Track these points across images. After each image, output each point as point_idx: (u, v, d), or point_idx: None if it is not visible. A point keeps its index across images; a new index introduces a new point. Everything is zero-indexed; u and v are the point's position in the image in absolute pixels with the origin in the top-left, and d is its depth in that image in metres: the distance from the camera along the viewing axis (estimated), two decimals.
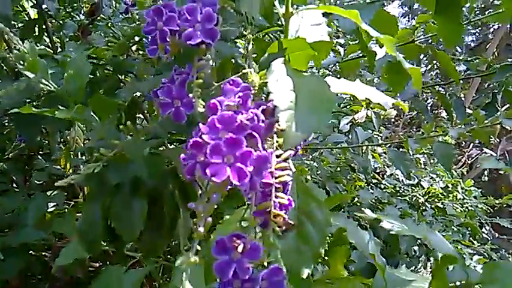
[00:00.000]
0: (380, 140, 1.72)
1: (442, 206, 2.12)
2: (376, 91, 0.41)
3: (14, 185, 1.21)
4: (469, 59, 1.43)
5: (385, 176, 2.42)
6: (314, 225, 0.43)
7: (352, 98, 2.01)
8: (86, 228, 0.52)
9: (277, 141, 0.40)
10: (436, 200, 2.19)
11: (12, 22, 1.40)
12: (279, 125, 0.31)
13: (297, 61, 0.38)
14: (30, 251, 0.94)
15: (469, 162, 5.76)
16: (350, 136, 1.53)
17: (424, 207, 2.13)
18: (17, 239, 0.85)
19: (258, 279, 0.30)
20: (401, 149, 1.38)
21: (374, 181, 2.33)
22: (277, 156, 0.39)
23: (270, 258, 0.41)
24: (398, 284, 0.53)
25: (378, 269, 0.51)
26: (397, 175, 2.44)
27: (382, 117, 1.65)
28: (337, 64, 1.22)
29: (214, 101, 0.32)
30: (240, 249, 0.30)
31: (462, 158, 5.71)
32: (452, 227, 1.93)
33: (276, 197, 0.37)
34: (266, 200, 0.37)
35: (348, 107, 1.89)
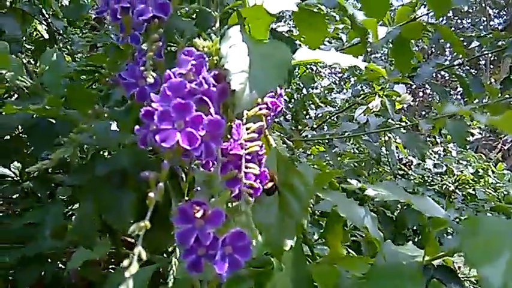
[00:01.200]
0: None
1: (473, 192, 2.05)
2: (344, 56, 0.40)
3: (39, 203, 1.25)
4: (481, 34, 1.38)
5: (412, 167, 2.37)
6: (296, 197, 0.42)
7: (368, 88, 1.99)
8: (79, 223, 0.52)
9: (246, 114, 0.40)
10: (467, 186, 2.12)
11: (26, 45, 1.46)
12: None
13: (257, 30, 0.37)
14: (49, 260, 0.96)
15: (506, 147, 5.56)
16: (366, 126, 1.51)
17: (455, 196, 2.06)
18: (33, 250, 0.87)
19: (218, 245, 0.30)
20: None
21: (401, 172, 2.28)
22: (247, 129, 0.39)
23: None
24: (399, 259, 0.51)
25: (374, 242, 0.50)
26: (425, 164, 2.38)
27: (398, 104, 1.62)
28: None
29: (168, 72, 0.32)
30: (199, 214, 0.30)
31: (498, 144, 5.52)
32: (486, 213, 1.86)
33: (246, 167, 0.37)
34: (239, 172, 0.37)
35: (364, 98, 1.87)
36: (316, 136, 1.45)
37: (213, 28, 0.43)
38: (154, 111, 0.29)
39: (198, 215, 0.30)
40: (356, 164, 2.01)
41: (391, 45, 1.07)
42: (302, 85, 2.37)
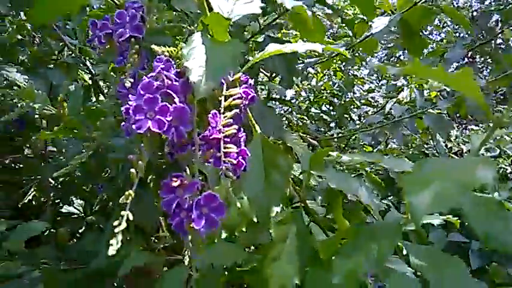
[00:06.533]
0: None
1: None
2: (300, 43, 0.47)
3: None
4: (501, 7, 1.37)
5: (464, 155, 2.30)
6: (279, 172, 0.48)
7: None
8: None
9: (224, 105, 0.47)
10: None
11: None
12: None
13: (218, 33, 0.45)
14: None
15: None
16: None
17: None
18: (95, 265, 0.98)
19: (192, 206, 0.36)
20: None
21: None
22: (225, 116, 0.46)
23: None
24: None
25: (368, 209, 0.54)
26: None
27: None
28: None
29: (144, 77, 0.40)
30: (175, 184, 0.37)
31: None
32: None
33: (225, 148, 0.44)
34: (219, 152, 0.44)
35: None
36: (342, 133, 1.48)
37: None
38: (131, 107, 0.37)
39: (175, 184, 0.37)
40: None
41: None
42: (341, 91, 2.40)
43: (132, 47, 0.43)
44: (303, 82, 2.54)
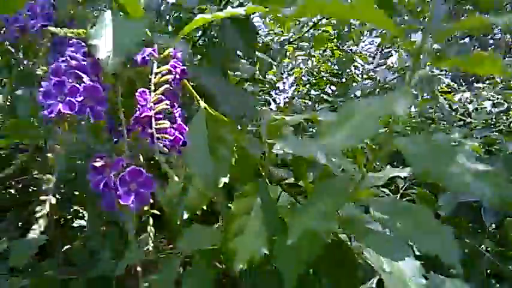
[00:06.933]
0: None
1: None
2: (225, 10, 0.46)
3: None
4: None
5: (471, 113, 2.24)
6: (224, 145, 0.47)
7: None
8: (90, 226, 0.61)
9: (153, 82, 0.46)
10: None
11: None
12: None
13: (132, 9, 0.44)
14: None
15: None
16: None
17: None
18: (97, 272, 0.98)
19: (117, 184, 0.36)
20: None
21: (461, 123, 2.17)
22: (155, 93, 0.45)
23: None
24: None
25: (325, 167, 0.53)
26: (486, 107, 2.25)
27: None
28: None
29: (55, 63, 0.39)
30: (98, 164, 0.36)
31: None
32: None
33: (157, 124, 0.43)
34: (150, 129, 0.43)
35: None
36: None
37: None
38: None
39: (98, 164, 0.37)
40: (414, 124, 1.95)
41: None
42: (340, 70, 2.36)
43: (45, 36, 0.42)
44: (301, 66, 2.52)
